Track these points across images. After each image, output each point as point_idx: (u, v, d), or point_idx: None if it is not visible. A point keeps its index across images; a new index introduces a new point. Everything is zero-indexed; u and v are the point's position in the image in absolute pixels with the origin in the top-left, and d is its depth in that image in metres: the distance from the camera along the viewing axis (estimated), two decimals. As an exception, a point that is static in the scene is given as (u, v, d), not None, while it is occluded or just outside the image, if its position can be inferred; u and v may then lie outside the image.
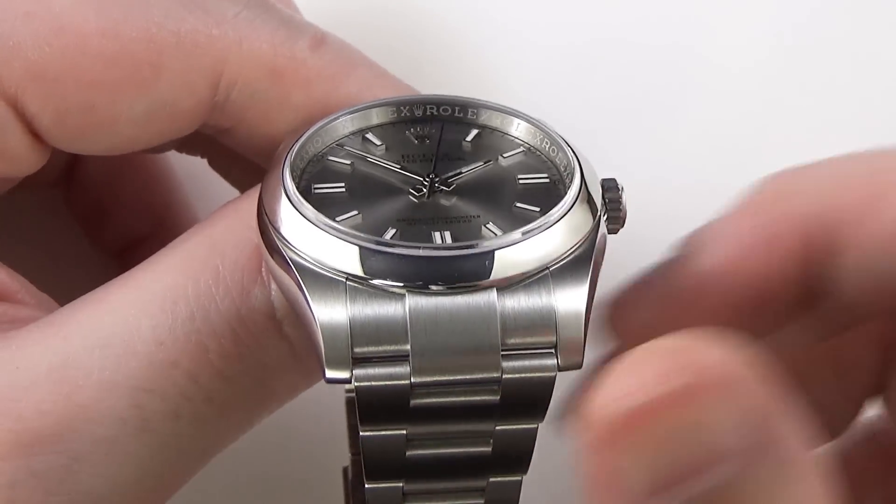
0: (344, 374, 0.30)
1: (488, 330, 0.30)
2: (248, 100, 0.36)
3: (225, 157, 0.42)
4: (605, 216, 0.34)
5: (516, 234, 0.31)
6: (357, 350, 0.30)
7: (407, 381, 0.30)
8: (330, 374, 0.30)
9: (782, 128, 0.52)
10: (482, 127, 0.37)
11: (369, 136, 0.36)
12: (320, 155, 0.35)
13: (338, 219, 0.32)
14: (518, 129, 0.37)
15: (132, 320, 0.33)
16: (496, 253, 0.31)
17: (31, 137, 0.35)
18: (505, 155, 0.36)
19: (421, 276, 0.30)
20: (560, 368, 0.31)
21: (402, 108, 0.37)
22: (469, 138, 0.36)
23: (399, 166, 0.35)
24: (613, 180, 0.35)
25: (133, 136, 0.36)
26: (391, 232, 0.32)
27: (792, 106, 0.52)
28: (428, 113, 0.37)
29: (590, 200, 0.34)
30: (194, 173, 0.47)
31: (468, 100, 0.37)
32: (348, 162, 0.35)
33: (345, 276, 0.31)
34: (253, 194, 0.35)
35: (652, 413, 0.23)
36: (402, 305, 0.30)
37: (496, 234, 0.32)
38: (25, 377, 0.32)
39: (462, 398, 0.31)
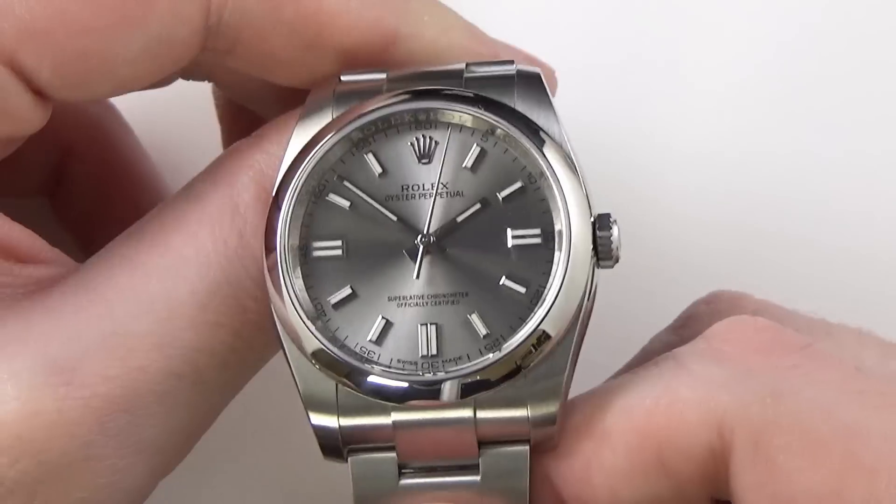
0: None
1: (466, 437, 0.35)
2: (240, 20, 0.36)
3: (229, 75, 0.41)
4: (597, 260, 0.35)
5: (495, 357, 0.34)
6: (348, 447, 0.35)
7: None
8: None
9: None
10: (485, 139, 0.36)
11: (371, 157, 0.36)
12: (321, 187, 0.36)
13: (330, 299, 0.35)
14: (520, 151, 0.36)
15: (171, 286, 0.35)
16: (478, 376, 0.34)
17: (32, 94, 0.35)
18: (502, 194, 0.36)
19: (406, 398, 0.34)
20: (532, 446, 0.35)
21: (406, 115, 0.36)
22: (470, 162, 0.36)
23: (395, 218, 0.36)
24: (607, 217, 0.36)
25: (134, 75, 0.36)
26: (380, 326, 0.35)
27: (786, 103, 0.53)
28: (431, 118, 0.36)
29: (576, 274, 0.35)
30: (183, 176, 0.49)
31: (469, 107, 0.36)
32: (347, 205, 0.36)
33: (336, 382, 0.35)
34: (259, 142, 0.37)
35: None
36: (388, 418, 0.35)
37: (480, 332, 0.35)
38: (79, 346, 0.34)
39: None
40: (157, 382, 0.35)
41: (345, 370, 0.35)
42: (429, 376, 0.34)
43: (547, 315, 0.34)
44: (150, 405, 0.35)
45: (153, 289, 0.35)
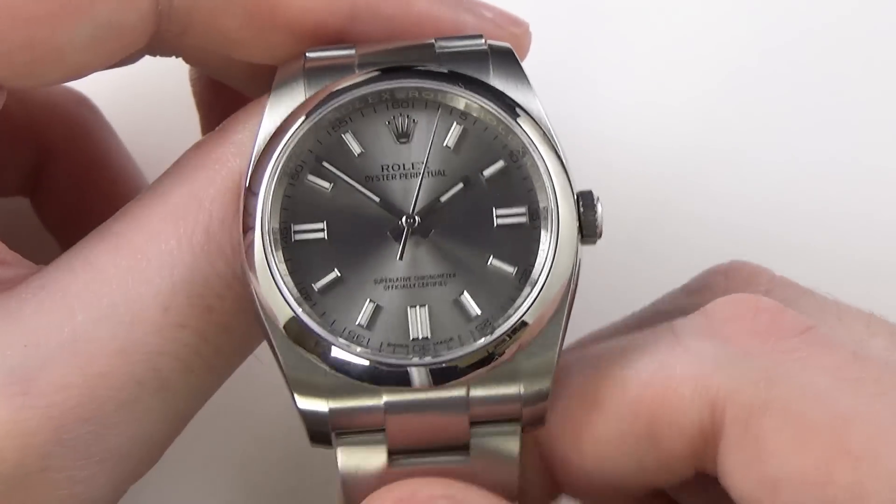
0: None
1: (458, 418, 0.34)
2: (191, 3, 0.35)
3: (194, 52, 0.40)
4: (581, 236, 0.35)
5: (487, 342, 0.34)
6: (336, 431, 0.35)
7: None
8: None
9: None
10: (465, 117, 0.36)
11: (348, 136, 0.36)
12: (298, 168, 0.35)
13: (315, 285, 0.34)
14: (502, 128, 0.36)
15: (132, 288, 0.34)
16: (468, 359, 0.34)
17: None
18: (485, 172, 0.35)
19: (398, 382, 0.34)
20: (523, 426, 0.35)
21: (383, 94, 0.35)
22: (451, 141, 0.36)
23: (378, 199, 0.35)
24: (590, 194, 0.35)
25: (83, 61, 0.35)
26: (369, 310, 0.34)
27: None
28: (410, 96, 0.36)
29: (564, 251, 0.34)
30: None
31: (447, 85, 0.36)
32: (328, 186, 0.35)
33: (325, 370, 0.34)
34: (223, 135, 0.36)
35: None
36: (379, 399, 0.34)
37: (471, 312, 0.35)
38: (37, 354, 0.33)
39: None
40: (119, 389, 0.34)
41: (312, 341, 0.34)
42: (425, 359, 0.34)
43: (539, 295, 0.34)
44: (111, 414, 0.34)
45: (115, 292, 0.34)
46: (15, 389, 0.33)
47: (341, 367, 0.34)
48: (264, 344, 0.35)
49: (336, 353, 0.34)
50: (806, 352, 0.34)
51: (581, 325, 0.39)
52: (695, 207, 0.52)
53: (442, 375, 0.34)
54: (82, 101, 0.47)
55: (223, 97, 0.46)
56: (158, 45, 0.37)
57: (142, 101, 0.50)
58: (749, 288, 0.38)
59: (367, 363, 0.34)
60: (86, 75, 0.37)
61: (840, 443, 0.32)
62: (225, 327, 0.35)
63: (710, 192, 0.52)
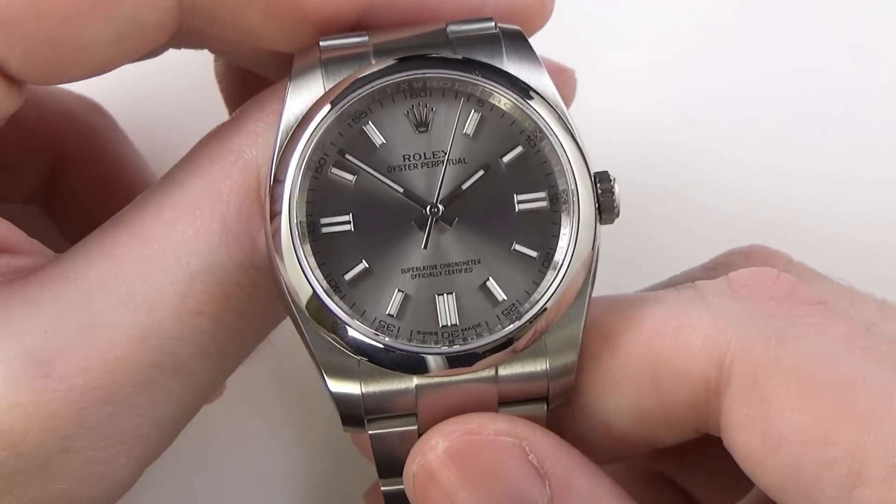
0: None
1: (488, 398, 0.35)
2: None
3: (218, 43, 0.41)
4: (599, 216, 0.36)
5: (515, 328, 0.35)
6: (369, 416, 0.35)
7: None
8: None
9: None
10: (482, 104, 0.36)
11: (369, 127, 0.36)
12: (321, 161, 0.36)
13: (346, 276, 0.35)
14: (518, 113, 0.36)
15: (150, 276, 0.35)
16: (495, 344, 0.35)
17: (3, 79, 0.35)
18: (504, 158, 0.36)
19: (428, 368, 0.35)
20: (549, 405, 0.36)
21: (401, 84, 0.36)
22: (470, 129, 0.36)
23: (402, 189, 0.35)
24: (606, 174, 0.36)
25: (107, 58, 0.36)
26: (398, 299, 0.35)
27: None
28: (427, 86, 0.36)
29: (584, 232, 0.35)
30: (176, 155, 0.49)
31: (463, 73, 0.36)
32: (351, 178, 0.36)
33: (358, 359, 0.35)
34: (238, 124, 0.36)
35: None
36: (410, 382, 0.35)
37: (498, 297, 0.35)
38: (57, 339, 0.34)
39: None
40: (137, 373, 0.34)
41: (329, 321, 0.34)
42: (454, 347, 0.35)
43: (563, 278, 0.35)
44: (130, 397, 0.34)
45: (133, 280, 0.35)
46: (36, 372, 0.33)
47: (362, 350, 0.34)
48: (278, 328, 0.36)
49: (354, 334, 0.34)
50: (819, 318, 0.35)
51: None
52: (702, 197, 0.53)
53: (467, 360, 0.35)
54: (96, 109, 0.48)
55: (249, 91, 0.46)
56: (182, 39, 0.38)
57: (152, 100, 0.51)
58: (769, 266, 0.38)
59: (392, 351, 0.34)
60: (109, 71, 0.37)
61: (845, 404, 0.32)
62: (241, 314, 0.36)
63: (715, 183, 0.52)
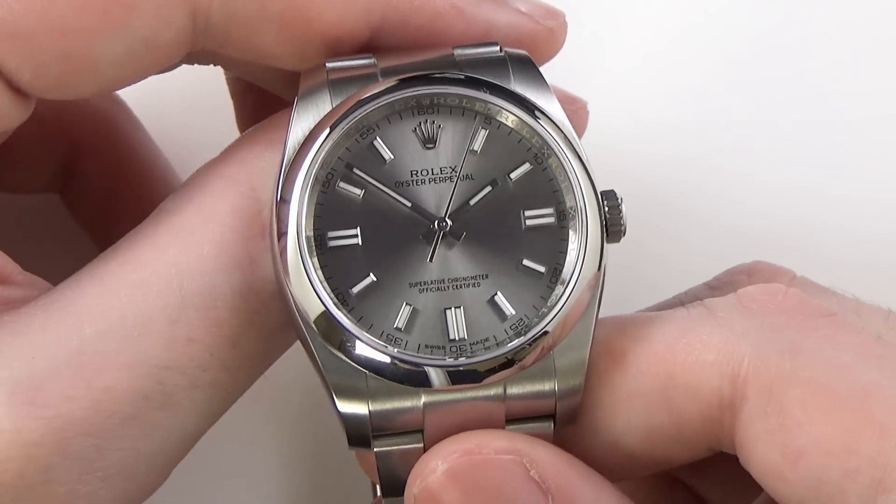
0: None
1: (495, 415, 0.35)
2: (228, 19, 0.36)
3: (231, 61, 0.41)
4: (606, 234, 0.36)
5: (522, 342, 0.34)
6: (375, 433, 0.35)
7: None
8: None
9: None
10: (490, 121, 0.36)
11: (377, 143, 0.36)
12: (329, 176, 0.35)
13: (353, 289, 0.35)
14: (526, 131, 0.36)
15: (141, 301, 0.34)
16: (505, 357, 0.35)
17: (12, 92, 0.35)
18: (512, 175, 0.36)
19: (435, 381, 0.34)
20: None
21: (409, 101, 0.36)
22: (478, 145, 0.36)
23: (410, 204, 0.35)
24: (613, 193, 0.36)
25: (118, 75, 0.36)
26: (406, 313, 0.35)
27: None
28: (435, 102, 0.36)
29: (592, 249, 0.35)
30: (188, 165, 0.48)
31: (471, 90, 0.36)
32: (359, 192, 0.36)
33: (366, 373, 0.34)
34: (231, 154, 0.36)
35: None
36: (418, 400, 0.35)
37: (506, 312, 0.35)
38: (44, 366, 0.33)
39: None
40: (124, 404, 0.33)
41: (339, 337, 0.34)
42: (460, 360, 0.34)
43: (572, 292, 0.35)
44: (115, 428, 0.33)
45: (123, 305, 0.34)
46: (20, 399, 0.32)
47: (368, 365, 0.34)
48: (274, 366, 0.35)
49: (361, 349, 0.34)
50: (831, 330, 0.35)
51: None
52: (701, 209, 0.52)
53: (473, 376, 0.34)
54: (110, 96, 0.47)
55: (255, 91, 0.46)
56: (195, 56, 0.38)
57: (172, 99, 0.51)
58: (773, 282, 0.38)
59: (388, 361, 0.34)
60: (120, 88, 0.37)
61: (864, 413, 0.32)
62: (233, 342, 0.35)
63: (714, 194, 0.52)
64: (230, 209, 0.35)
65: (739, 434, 0.34)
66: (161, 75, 0.41)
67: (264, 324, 0.35)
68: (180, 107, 0.51)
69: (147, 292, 0.34)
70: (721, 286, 0.40)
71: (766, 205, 0.52)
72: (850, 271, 0.49)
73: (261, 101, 0.45)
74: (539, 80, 0.37)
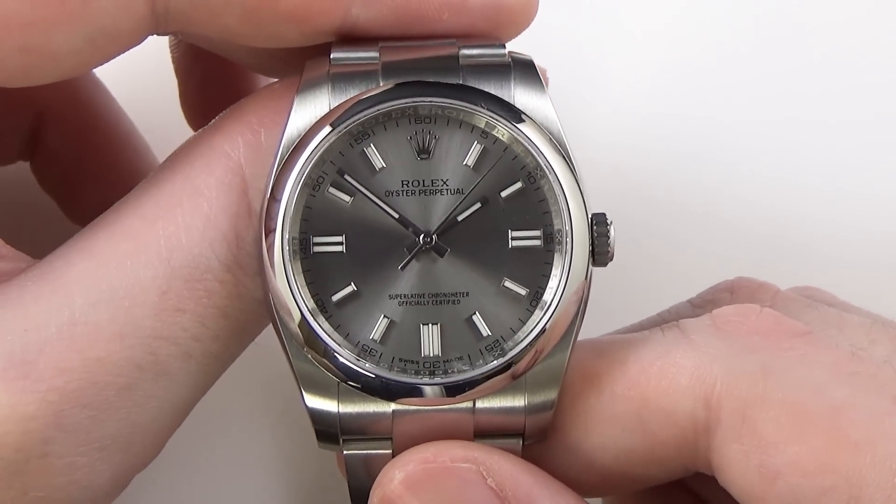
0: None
1: (463, 426, 0.35)
2: (187, 4, 0.35)
3: (197, 38, 0.41)
4: (593, 259, 0.35)
5: (499, 364, 0.35)
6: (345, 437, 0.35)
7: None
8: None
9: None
10: (485, 135, 0.36)
11: (371, 150, 0.35)
12: (319, 179, 0.35)
13: (333, 297, 0.35)
14: (521, 149, 0.36)
15: (130, 272, 0.34)
16: (477, 380, 0.35)
17: None
18: (503, 193, 0.36)
19: (408, 395, 0.35)
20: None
21: (406, 110, 0.35)
22: (471, 160, 0.36)
23: (397, 215, 0.35)
24: (603, 217, 0.35)
25: (79, 62, 0.35)
26: (383, 325, 0.35)
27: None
28: (432, 112, 0.36)
29: (576, 274, 0.35)
30: (160, 136, 0.48)
31: (469, 103, 0.35)
32: (348, 200, 0.35)
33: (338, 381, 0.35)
34: (218, 128, 0.36)
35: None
36: (388, 407, 0.35)
37: (482, 332, 0.35)
38: (36, 338, 0.33)
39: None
40: (118, 375, 0.33)
41: (321, 348, 0.34)
42: (433, 379, 0.35)
43: (551, 318, 0.35)
44: (110, 399, 0.33)
45: (113, 276, 0.34)
46: (14, 373, 0.32)
47: (350, 377, 0.35)
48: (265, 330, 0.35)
49: (343, 362, 0.34)
50: (804, 349, 0.35)
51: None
52: (701, 209, 0.52)
53: (467, 387, 0.35)
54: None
55: (201, 62, 0.45)
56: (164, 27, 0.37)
57: (144, 69, 0.50)
58: (755, 302, 0.38)
59: (373, 376, 0.35)
60: (83, 73, 0.37)
61: (838, 431, 0.32)
62: (223, 312, 0.35)
63: (712, 197, 0.52)
64: (217, 183, 0.35)
65: (716, 456, 0.34)
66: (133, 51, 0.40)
67: (252, 295, 0.35)
68: (153, 75, 0.50)
69: (136, 263, 0.34)
70: (703, 304, 0.40)
71: (766, 204, 0.52)
72: (849, 269, 0.50)
73: (205, 68, 0.45)
74: (539, 87, 0.36)
